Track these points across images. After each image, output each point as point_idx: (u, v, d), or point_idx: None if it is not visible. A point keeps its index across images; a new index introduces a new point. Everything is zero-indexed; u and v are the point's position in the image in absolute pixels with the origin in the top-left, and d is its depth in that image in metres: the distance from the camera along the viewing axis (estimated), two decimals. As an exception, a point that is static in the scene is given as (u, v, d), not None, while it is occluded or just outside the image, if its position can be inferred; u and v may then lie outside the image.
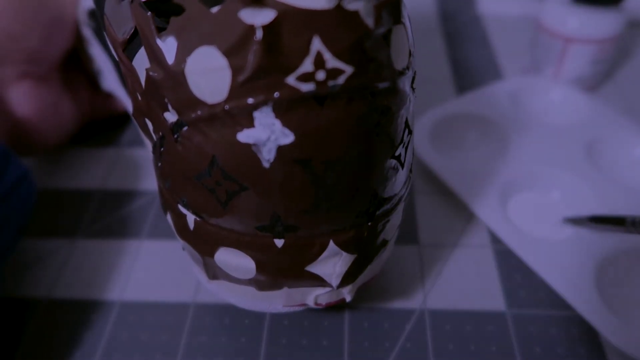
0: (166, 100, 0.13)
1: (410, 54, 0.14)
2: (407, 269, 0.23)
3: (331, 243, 0.15)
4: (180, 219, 0.16)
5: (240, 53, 0.11)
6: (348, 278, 0.16)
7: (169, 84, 0.13)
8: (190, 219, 0.16)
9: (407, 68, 0.14)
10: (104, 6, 0.16)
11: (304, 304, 0.18)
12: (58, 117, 0.26)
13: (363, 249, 0.16)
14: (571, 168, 0.25)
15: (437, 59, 0.36)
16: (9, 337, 0.21)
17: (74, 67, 0.28)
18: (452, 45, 0.38)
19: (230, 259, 0.16)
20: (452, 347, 0.20)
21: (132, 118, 0.18)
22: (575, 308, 0.20)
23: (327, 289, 0.17)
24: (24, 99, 0.24)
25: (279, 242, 0.15)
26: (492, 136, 0.28)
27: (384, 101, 0.13)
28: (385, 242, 0.17)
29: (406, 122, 0.15)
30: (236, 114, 0.12)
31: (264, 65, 0.11)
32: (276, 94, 0.12)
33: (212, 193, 0.14)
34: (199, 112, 0.13)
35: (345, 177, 0.14)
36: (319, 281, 0.16)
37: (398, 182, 0.16)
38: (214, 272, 0.17)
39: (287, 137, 0.12)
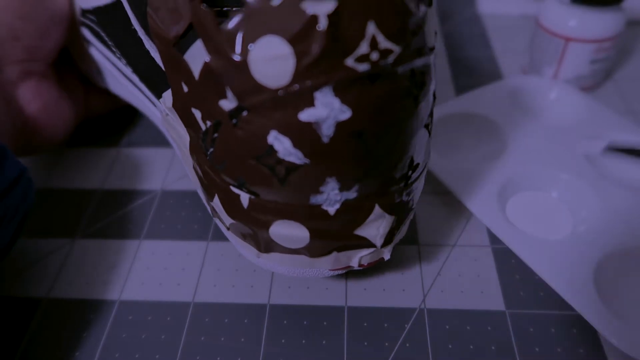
0: (225, 87, 0.14)
1: (435, 33, 0.15)
2: (407, 269, 0.23)
3: (377, 207, 0.16)
4: (233, 200, 0.17)
5: (305, 41, 0.12)
6: (389, 238, 0.18)
7: (231, 72, 0.14)
8: (245, 197, 0.17)
9: (434, 46, 0.15)
10: (146, 5, 0.17)
11: (349, 266, 0.19)
12: (61, 115, 0.26)
13: (400, 211, 0.18)
14: (570, 168, 0.25)
15: (437, 58, 0.36)
16: (9, 337, 0.21)
17: (66, 65, 0.29)
18: (452, 45, 0.38)
19: (285, 230, 0.17)
20: (451, 346, 0.20)
21: (163, 109, 0.19)
22: (575, 308, 0.20)
23: (371, 249, 0.18)
24: (30, 97, 0.24)
25: (332, 210, 0.16)
26: (491, 136, 0.28)
27: (421, 76, 0.15)
28: (414, 204, 0.19)
29: (434, 94, 0.16)
30: (298, 95, 0.13)
31: (325, 51, 0.13)
32: (336, 75, 0.13)
33: (272, 171, 0.15)
34: (261, 97, 0.14)
35: (391, 146, 0.15)
36: (365, 242, 0.18)
37: (428, 148, 0.18)
38: (267, 246, 0.18)
39: (345, 114, 0.14)
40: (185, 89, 0.16)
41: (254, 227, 0.17)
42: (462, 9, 0.42)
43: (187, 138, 0.18)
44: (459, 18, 0.41)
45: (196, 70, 0.15)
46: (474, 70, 0.35)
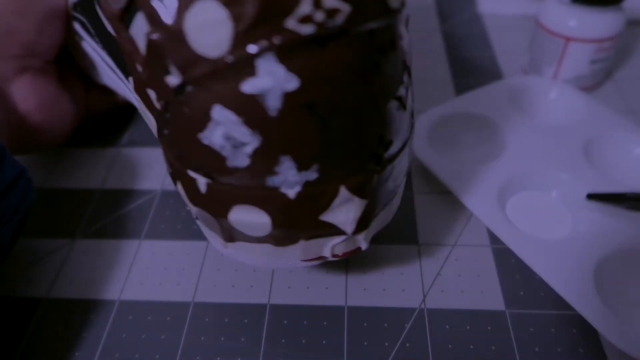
0: (168, 61, 0.13)
1: None
2: (407, 269, 0.23)
3: (343, 189, 0.15)
4: (191, 185, 0.16)
5: (239, 3, 0.12)
6: (362, 224, 0.16)
7: (169, 43, 0.13)
8: (202, 182, 0.16)
9: (401, 7, 0.14)
10: None
11: (322, 257, 0.18)
12: (59, 113, 0.26)
13: (374, 194, 0.16)
14: (570, 168, 0.25)
15: (437, 58, 0.36)
16: (9, 337, 0.21)
17: (67, 63, 0.28)
18: (452, 45, 0.38)
19: (245, 216, 0.16)
20: (451, 346, 0.20)
21: (135, 96, 0.18)
22: (575, 308, 0.20)
23: (342, 237, 0.17)
24: (26, 94, 0.24)
25: (292, 193, 0.15)
26: (491, 136, 0.28)
27: (382, 40, 0.13)
28: (395, 188, 0.17)
29: (404, 63, 0.15)
30: (239, 64, 0.12)
31: (263, 12, 0.12)
32: (277, 39, 0.12)
33: (222, 149, 0.14)
34: (202, 68, 0.13)
35: (351, 119, 0.14)
36: (334, 229, 0.16)
37: (402, 124, 0.16)
38: (230, 234, 0.17)
39: (292, 83, 0.13)
40: (139, 68, 0.15)
41: (214, 213, 0.16)
42: (462, 9, 0.42)
43: (155, 123, 0.17)
44: (459, 18, 0.41)
45: (142, 45, 0.14)
46: (474, 70, 0.35)
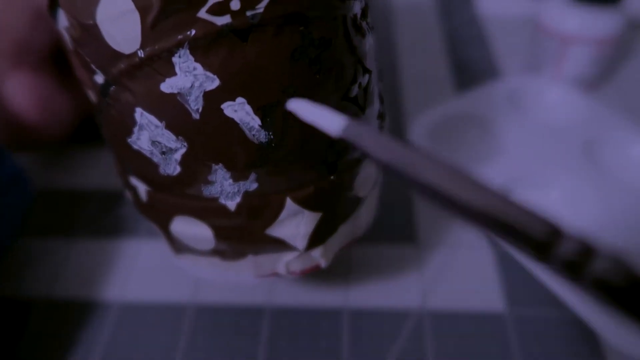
0: (88, 59, 0.12)
1: None
2: (407, 269, 0.23)
3: (289, 201, 0.14)
4: (135, 193, 0.15)
5: None
6: (316, 239, 0.15)
7: (87, 38, 0.12)
8: (142, 189, 0.15)
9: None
10: None
11: (276, 273, 0.16)
12: (56, 111, 0.26)
13: (329, 206, 0.14)
14: (570, 168, 0.25)
15: (436, 58, 0.36)
16: (8, 337, 0.21)
17: (67, 63, 0.28)
18: (451, 45, 0.38)
19: (187, 228, 0.15)
20: (451, 347, 0.20)
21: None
22: (574, 308, 0.20)
23: (295, 253, 0.15)
24: (20, 90, 0.24)
25: (232, 205, 0.13)
26: (491, 136, 0.28)
27: (322, 32, 0.12)
28: (358, 200, 0.15)
29: (359, 59, 0.13)
30: (154, 61, 0.11)
31: (170, 1, 0.11)
32: (190, 32, 0.11)
33: (152, 155, 0.13)
34: (120, 66, 0.12)
35: (288, 122, 0.12)
36: (282, 245, 0.15)
37: None
38: (178, 246, 0.16)
39: (213, 82, 0.11)
40: (76, 69, 0.14)
41: (158, 223, 0.15)
42: (462, 10, 0.42)
43: None
44: (458, 18, 0.41)
45: (68, 42, 0.13)
46: (474, 70, 0.35)
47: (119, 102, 0.12)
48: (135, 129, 0.13)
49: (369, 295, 0.22)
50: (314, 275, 0.23)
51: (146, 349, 0.20)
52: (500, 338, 0.20)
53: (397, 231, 0.24)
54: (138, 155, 0.13)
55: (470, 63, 0.36)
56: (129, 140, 0.13)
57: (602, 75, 0.32)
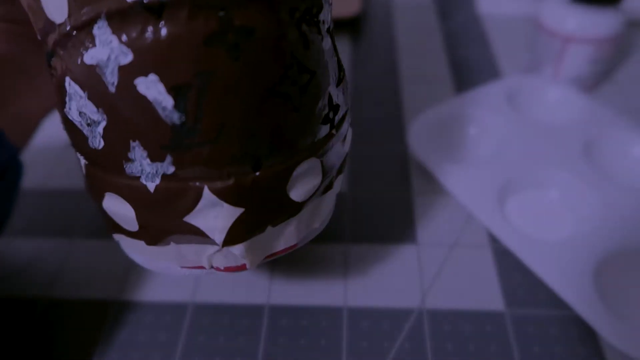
0: (35, 27, 0.13)
1: None
2: (406, 269, 0.23)
3: (206, 190, 0.13)
4: (80, 167, 0.15)
5: None
6: (236, 236, 0.14)
7: (34, 6, 0.12)
8: (82, 163, 0.15)
9: None
10: None
11: (201, 266, 0.16)
12: (35, 90, 0.24)
13: (252, 204, 0.14)
14: (569, 168, 0.25)
15: (436, 58, 0.36)
16: (7, 337, 0.21)
17: None
18: (451, 45, 0.38)
19: (115, 206, 0.15)
20: (450, 347, 0.20)
21: None
22: (574, 308, 0.20)
23: (216, 247, 0.15)
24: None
25: (151, 186, 0.13)
26: (490, 136, 0.28)
27: (244, 20, 0.11)
28: (294, 204, 0.14)
29: (292, 56, 0.13)
30: (79, 32, 0.11)
31: None
32: (108, 4, 0.11)
33: (81, 126, 0.13)
34: (54, 36, 0.12)
35: (202, 108, 0.12)
36: (202, 236, 0.14)
37: (295, 127, 0.13)
38: (111, 223, 0.16)
39: (127, 56, 0.11)
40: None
41: (93, 199, 0.15)
42: (462, 9, 0.42)
43: None
44: (459, 18, 0.41)
45: (25, 7, 0.13)
46: (474, 70, 0.35)
47: (56, 71, 0.13)
48: (67, 99, 0.13)
49: (368, 294, 0.22)
50: (313, 274, 0.23)
51: (146, 348, 0.20)
52: (499, 338, 0.20)
53: (397, 231, 0.24)
54: (72, 127, 0.14)
55: (470, 63, 0.36)
56: (65, 110, 0.13)
57: (601, 75, 0.32)
